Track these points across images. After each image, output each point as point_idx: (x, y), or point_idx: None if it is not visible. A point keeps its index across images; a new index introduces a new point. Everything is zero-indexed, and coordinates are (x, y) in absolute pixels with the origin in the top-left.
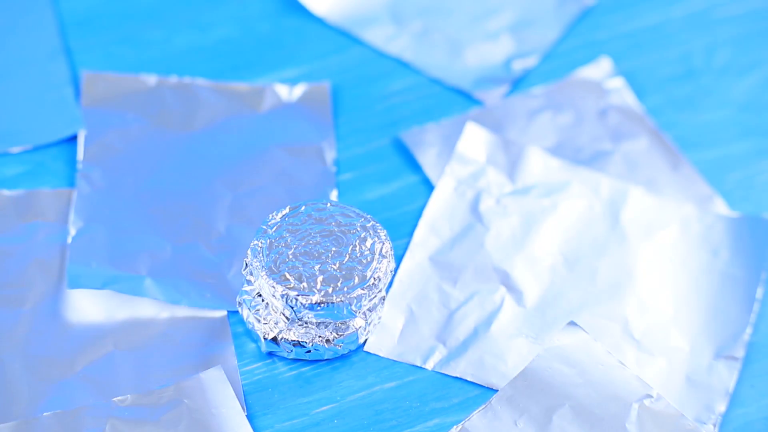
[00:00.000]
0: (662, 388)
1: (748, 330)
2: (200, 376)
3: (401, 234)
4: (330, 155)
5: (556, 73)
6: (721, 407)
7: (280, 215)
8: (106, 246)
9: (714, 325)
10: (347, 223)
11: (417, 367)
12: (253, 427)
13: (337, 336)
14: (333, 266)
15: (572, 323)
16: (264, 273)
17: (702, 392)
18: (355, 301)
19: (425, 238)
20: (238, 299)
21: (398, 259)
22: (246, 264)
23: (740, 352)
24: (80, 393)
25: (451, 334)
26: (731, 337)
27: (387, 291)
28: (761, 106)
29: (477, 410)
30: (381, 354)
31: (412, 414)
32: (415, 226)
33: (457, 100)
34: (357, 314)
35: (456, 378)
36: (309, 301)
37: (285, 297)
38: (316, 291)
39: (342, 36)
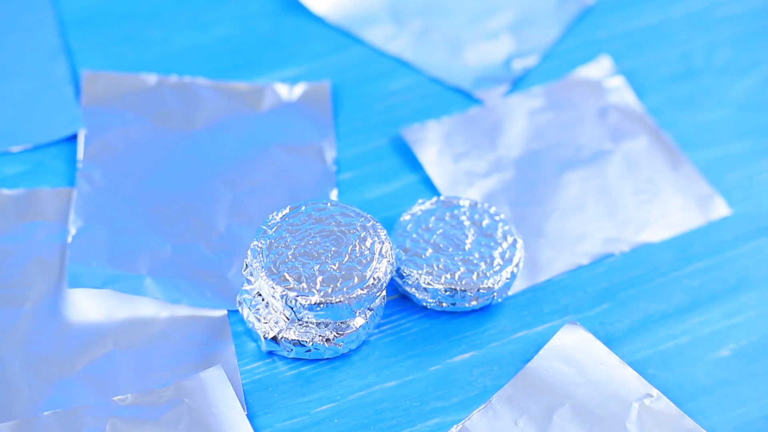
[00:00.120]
0: None
1: None
2: (200, 375)
3: None
4: (330, 154)
5: (556, 73)
6: None
7: (280, 215)
8: (106, 245)
9: None
10: (347, 223)
11: (417, 366)
12: (253, 427)
13: (337, 335)
14: (333, 266)
15: (573, 323)
16: (264, 274)
17: None
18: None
19: None
20: (238, 298)
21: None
22: (246, 264)
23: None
24: (80, 392)
25: None
26: None
27: None
28: (761, 105)
29: (477, 409)
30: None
31: (412, 413)
32: None
33: (457, 99)
34: (357, 314)
35: (456, 378)
36: (308, 302)
37: (284, 298)
38: (315, 291)
39: (342, 35)
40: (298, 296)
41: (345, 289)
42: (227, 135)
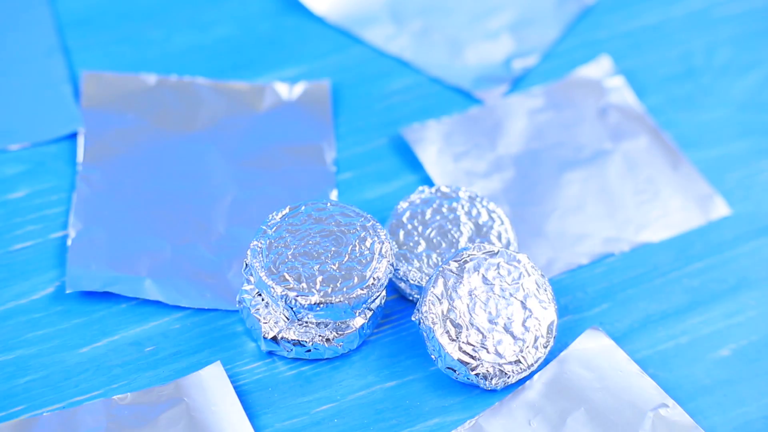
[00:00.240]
0: None
1: None
2: (200, 373)
3: None
4: (330, 155)
5: (556, 73)
6: None
7: (280, 215)
8: (106, 247)
9: None
10: (347, 223)
11: (417, 366)
12: (253, 427)
13: (337, 335)
14: (332, 266)
15: (595, 328)
16: (263, 274)
17: None
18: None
19: None
20: (237, 298)
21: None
22: (246, 264)
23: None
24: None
25: None
26: None
27: None
28: (761, 105)
29: (491, 407)
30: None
31: (412, 413)
32: None
33: (457, 99)
34: (357, 314)
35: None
36: (308, 302)
37: (284, 298)
38: (315, 291)
39: (342, 35)
40: (297, 296)
41: (345, 289)
42: (227, 135)
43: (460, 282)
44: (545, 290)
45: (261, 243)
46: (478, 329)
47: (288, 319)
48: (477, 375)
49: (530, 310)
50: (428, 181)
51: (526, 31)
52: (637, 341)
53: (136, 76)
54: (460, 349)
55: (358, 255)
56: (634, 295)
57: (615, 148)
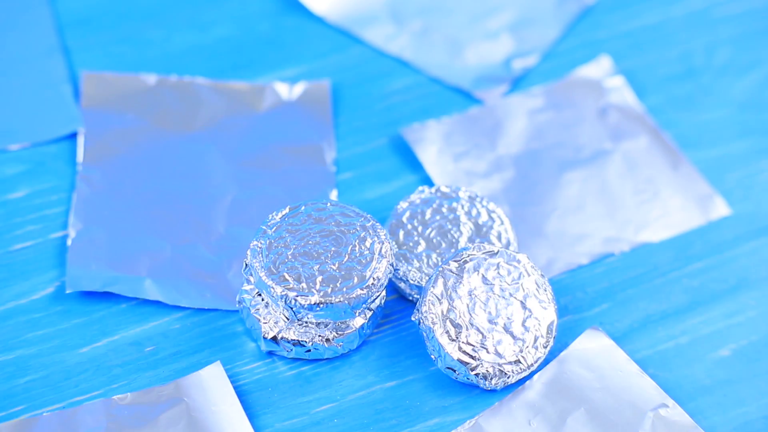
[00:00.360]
0: None
1: None
2: (200, 373)
3: None
4: (330, 155)
5: (556, 73)
6: None
7: (279, 215)
8: (106, 247)
9: None
10: (347, 223)
11: (417, 366)
12: (253, 427)
13: (336, 335)
14: (332, 266)
15: (595, 328)
16: (263, 274)
17: None
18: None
19: None
20: (237, 298)
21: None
22: (246, 264)
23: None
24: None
25: None
26: None
27: None
28: (761, 105)
29: (491, 407)
30: None
31: (412, 413)
32: None
33: (457, 99)
34: (356, 314)
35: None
36: (308, 302)
37: (284, 298)
38: (315, 291)
39: (342, 35)
40: (297, 296)
41: (345, 289)
42: (227, 135)
43: (460, 282)
44: (545, 290)
45: (261, 243)
46: (478, 329)
47: (288, 319)
48: (477, 375)
49: (530, 310)
50: (428, 181)
51: (526, 31)
52: (637, 341)
53: (136, 76)
54: (459, 349)
55: (357, 255)
56: (634, 295)
57: (615, 148)
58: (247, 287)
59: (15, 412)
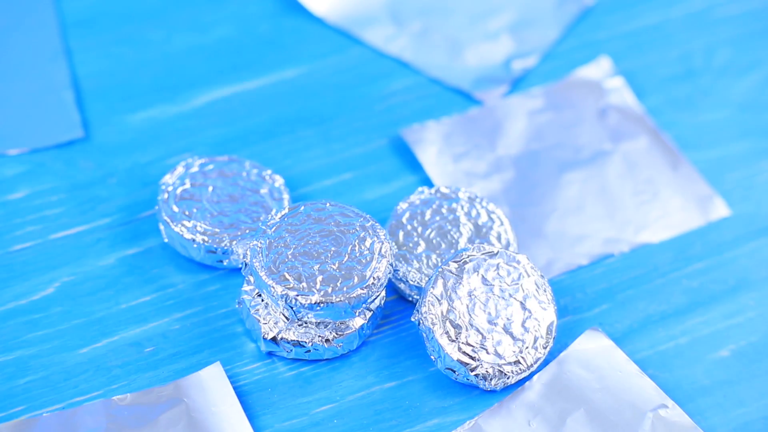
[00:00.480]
0: None
1: None
2: (200, 373)
3: None
4: None
5: (556, 73)
6: None
7: (279, 215)
8: None
9: None
10: (346, 223)
11: (417, 367)
12: (252, 427)
13: (336, 336)
14: (332, 266)
15: (595, 328)
16: (263, 273)
17: None
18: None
19: None
20: (237, 299)
21: None
22: (246, 264)
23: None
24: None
25: None
26: None
27: None
28: (761, 106)
29: (491, 408)
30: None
31: (411, 414)
32: None
33: (457, 99)
34: (356, 314)
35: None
36: (308, 301)
37: (284, 297)
38: (315, 291)
39: (341, 36)
40: (298, 296)
41: (345, 289)
42: None
43: (460, 283)
44: (545, 291)
45: (261, 243)
46: (478, 330)
47: (288, 319)
48: (476, 376)
49: (530, 311)
50: (428, 182)
51: (526, 32)
52: (636, 342)
53: None
54: (459, 349)
55: (357, 255)
56: (634, 295)
57: (614, 148)
58: (247, 287)
59: (15, 413)
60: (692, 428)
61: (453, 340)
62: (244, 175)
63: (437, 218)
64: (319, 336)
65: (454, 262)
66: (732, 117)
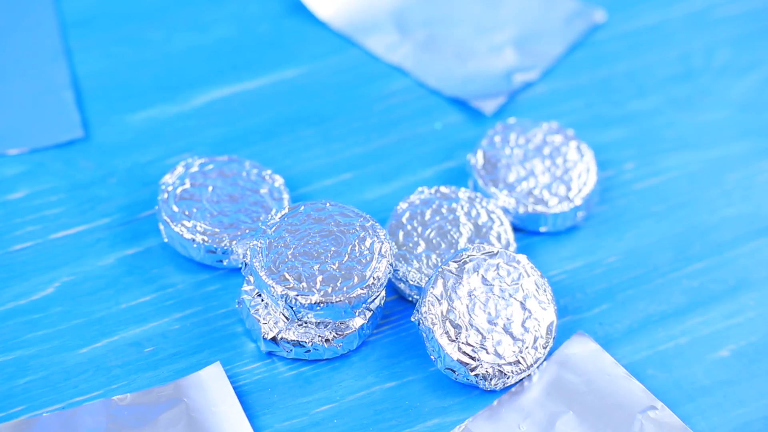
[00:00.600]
0: None
1: None
2: (199, 373)
3: None
4: None
5: (556, 72)
6: None
7: (279, 215)
8: None
9: None
10: (346, 223)
11: (417, 367)
12: (252, 427)
13: (336, 336)
14: (332, 266)
15: (581, 333)
16: (263, 273)
17: None
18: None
19: None
20: (237, 299)
21: None
22: (246, 264)
23: None
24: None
25: None
26: None
27: None
28: (761, 106)
29: (481, 411)
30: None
31: (411, 414)
32: None
33: (457, 100)
34: (356, 314)
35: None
36: (308, 301)
37: (284, 297)
38: (315, 291)
39: (342, 36)
40: (298, 295)
41: (345, 289)
42: None
43: (460, 283)
44: (545, 291)
45: (261, 243)
46: (478, 330)
47: (288, 319)
48: (476, 376)
49: (530, 311)
50: (428, 182)
51: (531, 46)
52: (636, 342)
53: None
54: (459, 349)
55: (357, 255)
56: (634, 295)
57: None
58: (247, 287)
59: (15, 413)
60: (682, 429)
61: (453, 340)
62: (244, 175)
63: (437, 218)
64: (319, 336)
65: (454, 262)
66: (732, 117)
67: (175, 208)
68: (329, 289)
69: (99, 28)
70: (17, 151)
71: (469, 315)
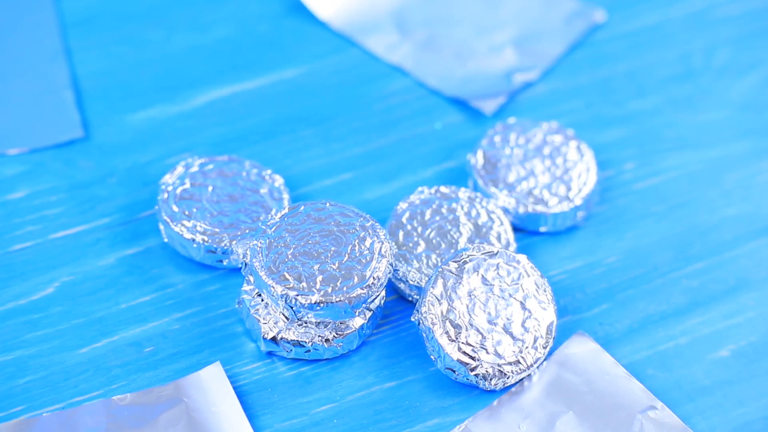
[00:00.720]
0: None
1: None
2: (199, 373)
3: None
4: None
5: (556, 73)
6: None
7: (279, 215)
8: None
9: None
10: (346, 223)
11: (417, 366)
12: (252, 427)
13: (336, 335)
14: (332, 266)
15: (581, 333)
16: (263, 273)
17: None
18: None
19: None
20: (237, 299)
21: None
22: (246, 264)
23: None
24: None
25: None
26: None
27: None
28: (761, 106)
29: (481, 411)
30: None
31: (411, 414)
32: None
33: (457, 100)
34: (356, 314)
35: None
36: (309, 301)
37: (284, 297)
38: (315, 291)
39: (342, 36)
40: (298, 295)
41: (345, 289)
42: None
43: (460, 282)
44: (545, 291)
45: (261, 242)
46: (478, 330)
47: (288, 319)
48: (476, 375)
49: (530, 311)
50: (428, 183)
51: (531, 46)
52: (636, 342)
53: None
54: (459, 349)
55: (357, 255)
56: (634, 295)
57: None
58: (247, 287)
59: (15, 413)
60: (682, 429)
61: (453, 340)
62: (243, 175)
63: (437, 218)
64: (319, 336)
65: (454, 262)
66: (732, 117)
67: (175, 208)
68: (329, 289)
69: (99, 28)
70: (17, 151)
71: (469, 315)
